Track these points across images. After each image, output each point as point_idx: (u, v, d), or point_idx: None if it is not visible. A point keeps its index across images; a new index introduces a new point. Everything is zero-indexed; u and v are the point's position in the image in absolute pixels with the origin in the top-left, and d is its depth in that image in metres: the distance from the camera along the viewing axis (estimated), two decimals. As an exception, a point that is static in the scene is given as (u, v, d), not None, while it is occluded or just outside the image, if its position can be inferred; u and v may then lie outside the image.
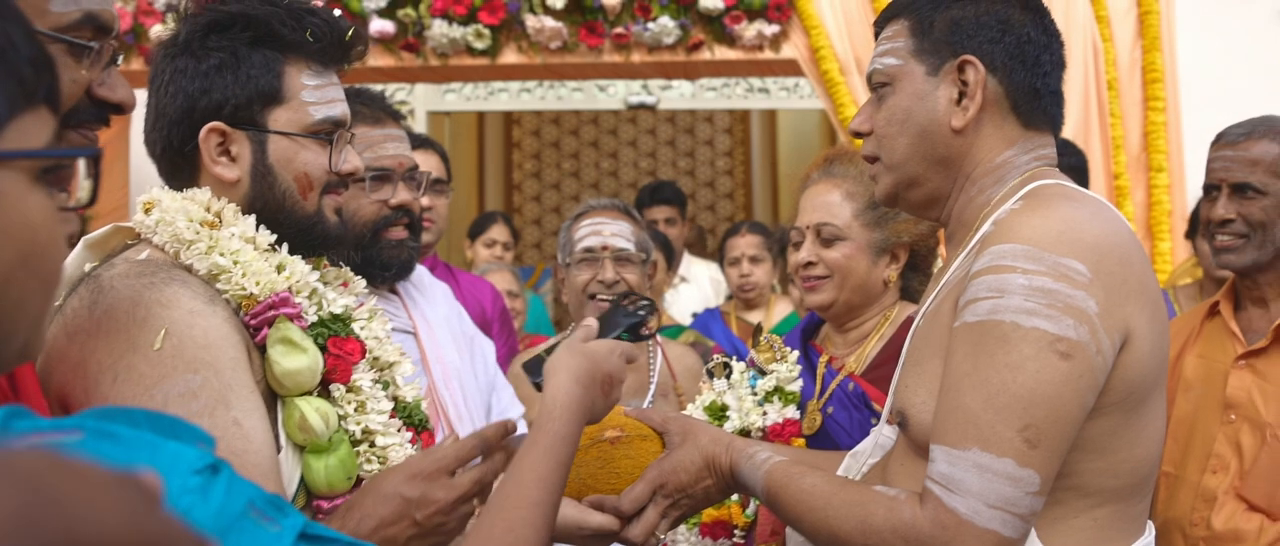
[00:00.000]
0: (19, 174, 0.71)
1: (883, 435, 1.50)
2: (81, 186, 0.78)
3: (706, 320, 4.24)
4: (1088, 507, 1.31)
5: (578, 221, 2.62)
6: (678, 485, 1.54)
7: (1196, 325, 2.19)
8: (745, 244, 4.19)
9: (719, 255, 4.59)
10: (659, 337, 2.71)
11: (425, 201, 2.66)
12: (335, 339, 1.41)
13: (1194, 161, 3.75)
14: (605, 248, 2.55)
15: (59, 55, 1.11)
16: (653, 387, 2.57)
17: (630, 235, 2.58)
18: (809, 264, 2.06)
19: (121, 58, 1.21)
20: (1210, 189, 2.20)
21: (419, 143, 2.76)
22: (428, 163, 2.73)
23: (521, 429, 2.37)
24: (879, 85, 1.46)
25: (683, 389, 2.60)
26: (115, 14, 1.21)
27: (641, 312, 1.39)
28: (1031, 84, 1.41)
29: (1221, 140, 2.20)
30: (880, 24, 1.49)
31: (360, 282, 1.58)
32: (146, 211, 1.41)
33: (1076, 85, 4.03)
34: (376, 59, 4.01)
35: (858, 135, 1.50)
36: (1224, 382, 2.08)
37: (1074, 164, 2.77)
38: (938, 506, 1.24)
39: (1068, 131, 4.00)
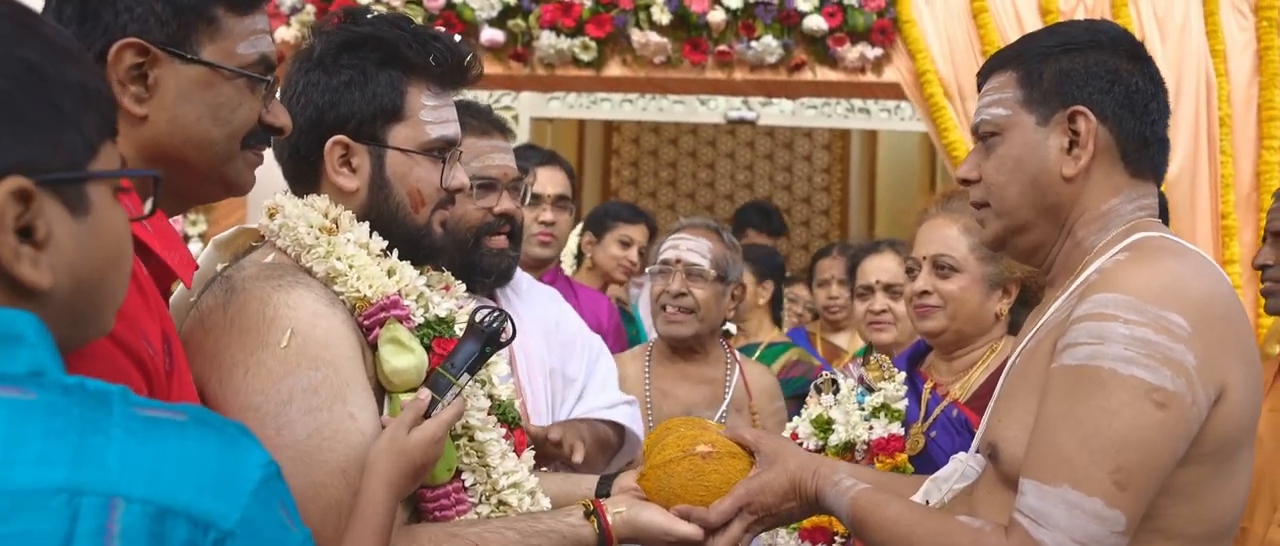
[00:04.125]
0: (107, 190, 0.88)
1: (968, 464, 1.54)
2: (148, 205, 0.97)
3: (794, 338, 4.26)
4: None
5: (666, 237, 2.71)
6: (763, 505, 1.61)
7: (1269, 378, 2.18)
8: (834, 266, 4.19)
9: (808, 276, 4.60)
10: (738, 355, 2.77)
11: (548, 216, 2.76)
12: (439, 340, 1.50)
13: (1308, 204, 3.63)
14: (678, 261, 2.62)
15: (242, 87, 1.29)
16: (726, 402, 2.63)
17: (707, 252, 2.63)
18: (924, 293, 2.12)
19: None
20: (1266, 235, 2.27)
21: (546, 159, 2.83)
22: (554, 180, 2.80)
23: (624, 417, 2.35)
24: (987, 135, 1.49)
25: (758, 407, 2.65)
26: (276, 52, 1.36)
27: (495, 324, 1.44)
28: (1141, 132, 1.44)
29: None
30: (984, 74, 1.53)
31: (461, 287, 1.68)
32: (270, 216, 1.51)
33: (1186, 121, 3.94)
34: (485, 67, 4.11)
35: (965, 182, 1.54)
36: None
37: None
38: (1025, 538, 1.29)
39: (1174, 168, 3.92)
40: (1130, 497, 1.27)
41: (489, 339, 1.44)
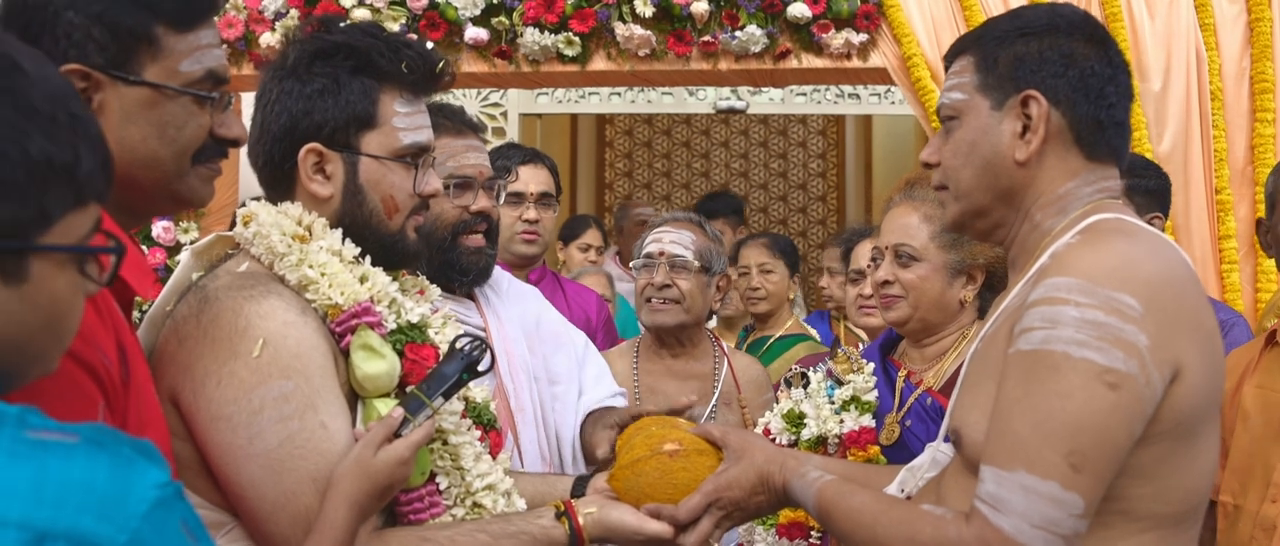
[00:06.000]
0: (56, 261, 0.89)
1: (940, 451, 1.56)
2: (105, 274, 0.95)
3: (815, 320, 4.27)
4: (1135, 531, 1.35)
5: (649, 231, 2.71)
6: (732, 500, 1.62)
7: (1255, 355, 2.18)
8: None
9: (844, 262, 4.59)
10: (725, 348, 2.77)
11: (532, 215, 2.75)
12: (412, 345, 1.51)
13: (1303, 176, 3.57)
14: (662, 253, 2.64)
15: (187, 105, 1.29)
16: (716, 396, 2.64)
17: (690, 243, 2.65)
18: (886, 283, 2.12)
19: (235, 84, 1.36)
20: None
21: (528, 157, 2.82)
22: (537, 177, 2.79)
23: (622, 404, 2.35)
24: (947, 118, 1.50)
25: (747, 400, 2.65)
26: (228, 65, 1.38)
27: (475, 352, 1.45)
28: (1095, 116, 1.44)
29: None
30: (949, 58, 1.54)
31: (435, 290, 1.69)
32: (245, 224, 1.52)
33: (1178, 96, 3.92)
34: (470, 65, 4.12)
35: (927, 166, 1.55)
36: None
37: (1153, 187, 2.72)
38: (984, 524, 1.30)
39: (1166, 144, 3.90)
40: (1086, 480, 1.28)
41: (468, 366, 1.45)
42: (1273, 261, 3.92)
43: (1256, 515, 2.07)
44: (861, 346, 2.46)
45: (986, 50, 1.47)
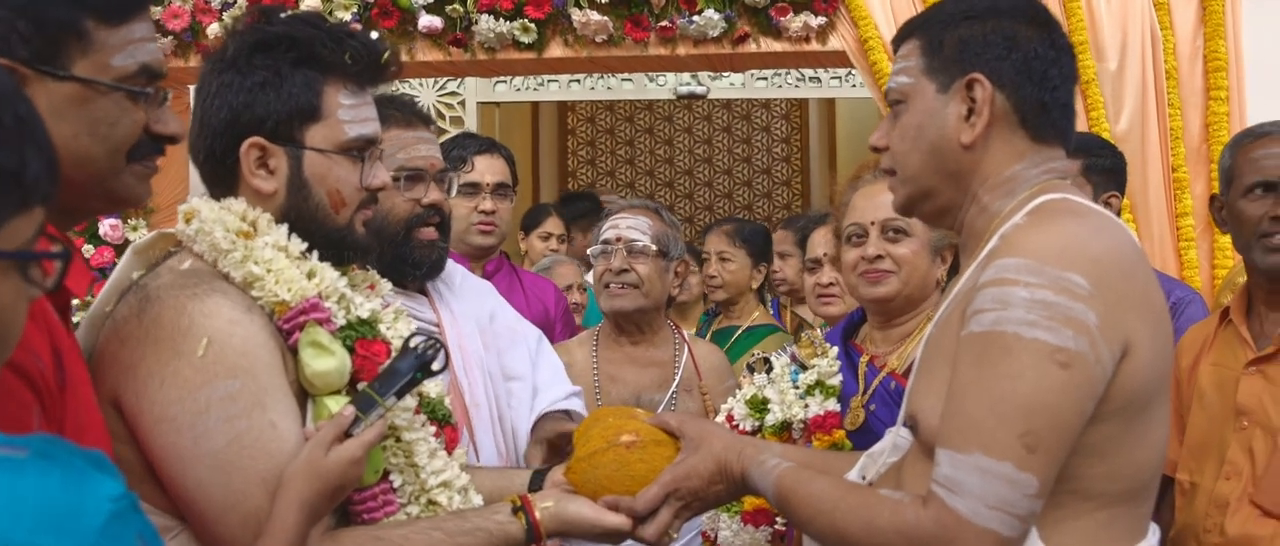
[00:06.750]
0: (0, 267, 0.85)
1: (899, 436, 1.55)
2: (52, 278, 0.92)
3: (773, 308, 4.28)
4: (1089, 510, 1.35)
5: (606, 219, 2.69)
6: (690, 490, 1.61)
7: (1211, 333, 2.20)
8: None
9: (800, 250, 4.57)
10: (685, 335, 2.76)
11: (488, 205, 2.73)
12: (362, 341, 1.48)
13: (1256, 153, 3.59)
14: (619, 239, 2.62)
15: (120, 100, 1.26)
16: (675, 383, 2.63)
17: (647, 229, 2.64)
18: (877, 257, 2.10)
19: (173, 82, 1.32)
20: (1256, 187, 2.18)
21: (484, 147, 2.79)
22: (494, 167, 2.77)
23: (577, 405, 2.33)
24: (894, 102, 1.51)
25: (708, 387, 2.64)
26: (164, 60, 1.34)
27: (429, 351, 1.43)
28: (1039, 99, 1.44)
29: (1266, 136, 2.18)
30: (897, 42, 1.54)
31: (386, 285, 1.66)
32: (187, 221, 1.49)
33: (1133, 76, 3.95)
34: (425, 54, 4.07)
35: (876, 150, 1.55)
36: (1236, 389, 2.09)
37: (1109, 166, 2.72)
38: (940, 507, 1.30)
39: (1123, 123, 3.93)
40: (1040, 460, 1.28)
41: (422, 365, 1.43)
42: (1228, 238, 3.99)
43: (1212, 492, 2.09)
44: (822, 331, 2.45)
45: (932, 34, 1.47)
